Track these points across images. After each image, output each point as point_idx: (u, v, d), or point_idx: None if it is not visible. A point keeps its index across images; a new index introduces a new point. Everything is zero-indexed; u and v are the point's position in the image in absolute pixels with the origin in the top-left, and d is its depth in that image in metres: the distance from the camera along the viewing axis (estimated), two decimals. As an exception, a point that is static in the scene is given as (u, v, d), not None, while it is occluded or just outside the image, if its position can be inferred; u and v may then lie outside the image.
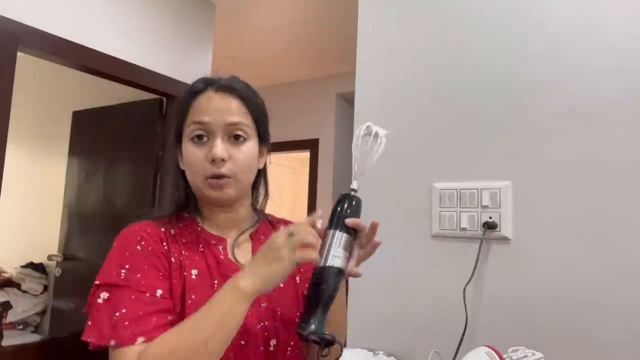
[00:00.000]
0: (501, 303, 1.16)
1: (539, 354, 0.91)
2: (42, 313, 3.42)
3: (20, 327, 3.30)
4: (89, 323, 0.70)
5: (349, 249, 0.74)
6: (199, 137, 0.80)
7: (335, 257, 0.72)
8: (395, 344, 1.24)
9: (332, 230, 0.74)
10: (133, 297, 0.71)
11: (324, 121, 4.17)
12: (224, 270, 0.81)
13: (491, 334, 1.15)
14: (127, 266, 0.73)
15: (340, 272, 0.73)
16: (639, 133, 1.05)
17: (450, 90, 1.30)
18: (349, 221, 0.74)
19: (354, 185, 0.79)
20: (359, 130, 0.83)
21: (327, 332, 0.70)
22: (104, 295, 0.71)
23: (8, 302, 3.24)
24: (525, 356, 0.90)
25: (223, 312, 0.68)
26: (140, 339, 0.68)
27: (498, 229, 1.17)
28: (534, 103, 1.18)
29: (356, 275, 0.77)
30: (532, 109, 1.18)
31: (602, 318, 1.05)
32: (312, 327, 0.69)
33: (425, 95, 1.34)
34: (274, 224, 0.96)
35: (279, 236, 0.70)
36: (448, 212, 1.25)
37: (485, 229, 1.18)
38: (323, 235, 0.74)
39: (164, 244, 0.78)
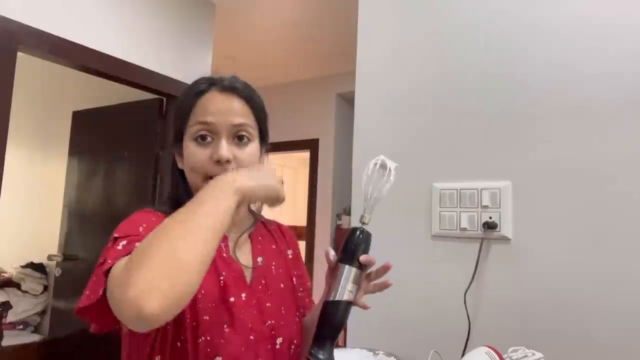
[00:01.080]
0: (501, 303, 1.16)
1: (539, 354, 0.90)
2: (42, 313, 3.42)
3: (20, 327, 3.30)
4: (108, 260, 0.65)
5: (358, 282, 0.78)
6: (203, 137, 0.80)
7: (348, 292, 0.76)
8: (395, 344, 1.24)
9: (344, 265, 0.77)
10: None
11: (324, 121, 4.17)
12: (226, 269, 0.81)
13: (491, 334, 1.15)
14: (144, 225, 0.72)
15: (349, 304, 0.78)
16: (639, 133, 1.05)
17: (451, 90, 1.30)
18: (363, 259, 0.77)
19: (365, 219, 0.80)
20: (372, 164, 0.85)
21: None
22: (123, 242, 0.68)
23: (8, 302, 3.25)
24: (525, 356, 0.90)
25: (209, 203, 0.64)
26: None
27: (498, 229, 1.17)
28: (534, 104, 1.18)
29: (364, 307, 0.82)
30: (532, 110, 1.18)
31: (601, 318, 1.05)
32: (321, 356, 0.74)
33: (425, 95, 1.34)
34: (266, 224, 0.97)
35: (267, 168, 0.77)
36: (448, 212, 1.25)
37: (485, 229, 1.18)
38: (335, 268, 0.78)
39: None
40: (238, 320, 0.76)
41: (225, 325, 0.75)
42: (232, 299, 0.78)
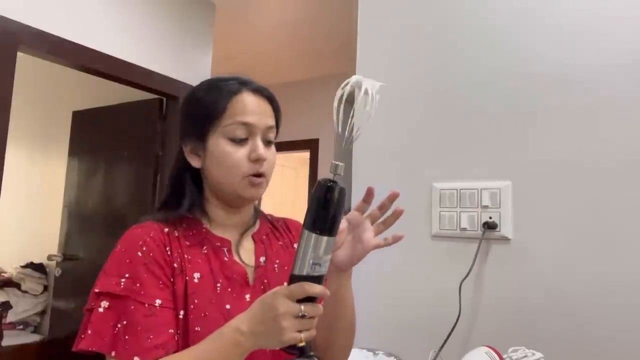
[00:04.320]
0: (501, 303, 1.16)
1: (539, 354, 0.91)
2: (42, 313, 3.42)
3: (20, 327, 3.30)
4: (89, 332, 0.71)
5: (328, 251, 0.64)
6: (240, 136, 0.80)
7: (316, 265, 0.63)
8: (395, 344, 1.24)
9: (308, 233, 0.63)
10: (133, 307, 0.71)
11: (324, 121, 4.16)
12: (228, 272, 0.81)
13: (491, 334, 1.15)
14: (126, 275, 0.73)
15: (316, 279, 0.64)
16: (639, 133, 1.05)
17: (450, 90, 1.30)
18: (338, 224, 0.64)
19: (339, 168, 0.63)
20: (342, 88, 0.66)
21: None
22: (105, 304, 0.72)
23: (8, 302, 3.24)
24: (525, 356, 0.90)
25: None
26: (136, 359, 0.69)
27: (498, 229, 1.17)
28: (535, 103, 1.18)
29: (377, 246, 0.78)
30: (533, 108, 1.18)
31: (602, 318, 1.05)
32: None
33: (425, 95, 1.34)
34: (274, 223, 0.97)
35: (284, 307, 0.63)
36: (448, 212, 1.25)
37: (485, 229, 1.18)
38: (300, 235, 0.65)
39: (167, 248, 0.78)
40: None
41: None
42: (227, 307, 0.78)
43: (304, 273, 0.63)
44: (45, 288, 3.45)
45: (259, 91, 0.84)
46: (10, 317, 3.23)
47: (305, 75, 4.25)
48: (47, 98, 3.63)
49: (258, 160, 0.80)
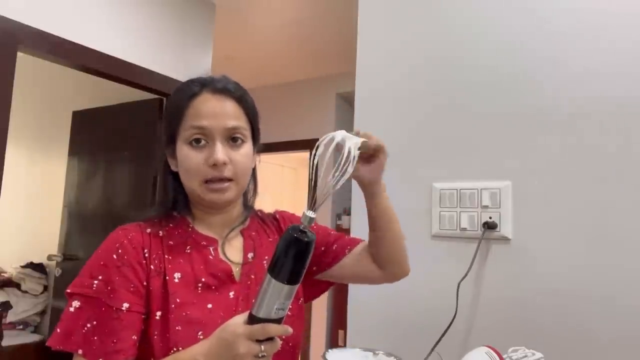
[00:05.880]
0: (501, 303, 1.16)
1: (539, 354, 0.90)
2: (42, 313, 3.42)
3: (20, 327, 3.30)
4: (58, 330, 0.72)
5: (289, 297, 0.64)
6: (197, 140, 0.80)
7: (280, 310, 0.63)
8: (395, 344, 1.24)
9: (272, 279, 0.61)
10: (103, 309, 0.73)
11: (324, 121, 4.16)
12: (213, 270, 0.81)
13: (491, 334, 1.15)
14: (99, 277, 0.74)
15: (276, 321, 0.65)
16: (639, 133, 1.05)
17: (451, 90, 1.30)
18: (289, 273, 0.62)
19: (309, 219, 0.62)
20: (326, 140, 0.66)
21: None
22: (76, 304, 0.74)
23: (8, 302, 3.24)
24: (525, 356, 0.90)
25: None
26: None
27: (498, 229, 1.17)
28: (535, 103, 1.18)
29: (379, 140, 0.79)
30: (533, 109, 1.18)
31: (602, 318, 1.05)
32: None
33: (425, 95, 1.34)
34: (264, 219, 0.96)
35: (244, 348, 0.62)
36: (448, 212, 1.25)
37: (485, 229, 1.18)
38: (264, 278, 0.63)
39: (145, 251, 0.78)
40: (214, 324, 0.71)
41: (199, 333, 0.74)
42: (209, 306, 0.78)
43: (266, 316, 0.63)
44: (45, 288, 3.45)
45: (223, 91, 0.82)
46: (10, 317, 3.23)
47: (306, 75, 4.25)
48: (47, 98, 3.63)
49: (215, 165, 0.78)
